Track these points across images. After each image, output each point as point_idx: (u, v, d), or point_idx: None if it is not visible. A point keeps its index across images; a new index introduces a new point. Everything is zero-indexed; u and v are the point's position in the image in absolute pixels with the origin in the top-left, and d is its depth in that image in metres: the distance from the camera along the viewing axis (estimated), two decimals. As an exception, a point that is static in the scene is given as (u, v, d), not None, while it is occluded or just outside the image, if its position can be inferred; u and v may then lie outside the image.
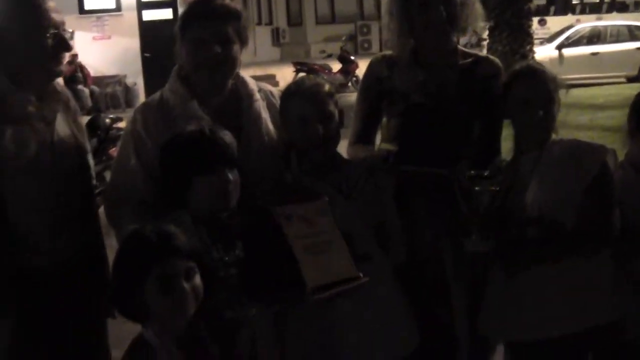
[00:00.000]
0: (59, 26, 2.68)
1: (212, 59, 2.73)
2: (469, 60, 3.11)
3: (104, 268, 2.91)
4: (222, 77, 2.82)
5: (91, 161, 3.01)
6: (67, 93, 2.92)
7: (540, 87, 2.87)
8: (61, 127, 2.77)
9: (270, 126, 2.90)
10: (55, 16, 2.67)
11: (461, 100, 3.01)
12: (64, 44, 2.68)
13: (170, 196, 2.50)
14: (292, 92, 2.83)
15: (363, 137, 3.18)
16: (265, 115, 2.90)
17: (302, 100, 2.76)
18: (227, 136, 2.51)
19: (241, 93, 2.88)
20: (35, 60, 2.65)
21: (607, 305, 2.80)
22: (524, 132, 2.92)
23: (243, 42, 2.83)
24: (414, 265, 2.88)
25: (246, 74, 2.93)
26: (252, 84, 2.94)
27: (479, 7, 3.11)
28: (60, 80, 2.91)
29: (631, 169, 2.95)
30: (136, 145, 2.79)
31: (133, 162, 2.78)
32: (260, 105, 2.90)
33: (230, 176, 2.44)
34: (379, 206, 2.77)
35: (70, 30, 2.73)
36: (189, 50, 2.75)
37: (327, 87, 2.81)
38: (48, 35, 2.63)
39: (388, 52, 3.21)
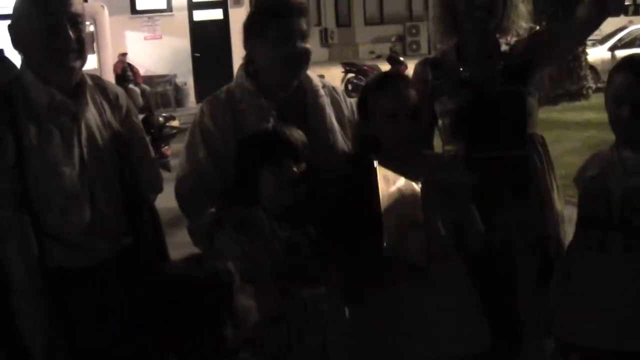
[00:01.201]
0: (77, 18, 2.60)
1: (295, 54, 2.80)
2: (508, 47, 3.16)
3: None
4: (301, 71, 2.89)
5: (153, 162, 3.03)
6: (116, 90, 2.86)
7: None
8: (93, 122, 2.68)
9: (334, 121, 2.94)
10: (75, 8, 2.59)
11: (510, 83, 3.06)
12: (81, 42, 2.61)
13: (243, 191, 2.63)
14: (377, 86, 2.84)
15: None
16: (329, 110, 2.94)
17: (391, 96, 2.76)
18: (296, 132, 2.63)
19: (306, 88, 2.93)
20: (51, 49, 2.56)
21: None
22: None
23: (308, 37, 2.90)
24: (485, 257, 2.88)
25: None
26: (316, 80, 2.99)
27: (522, 8, 3.13)
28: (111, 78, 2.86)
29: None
30: (204, 138, 2.85)
31: (202, 154, 2.85)
32: (325, 100, 2.95)
33: (295, 168, 2.58)
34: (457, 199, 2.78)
35: (89, 24, 2.67)
36: (270, 47, 2.80)
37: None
38: (66, 26, 2.56)
39: (430, 55, 3.29)
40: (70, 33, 2.57)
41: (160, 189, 3.04)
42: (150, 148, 3.06)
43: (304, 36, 2.83)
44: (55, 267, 2.54)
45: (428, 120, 3.14)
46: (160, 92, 20.12)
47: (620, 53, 20.30)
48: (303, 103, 2.92)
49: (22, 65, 2.68)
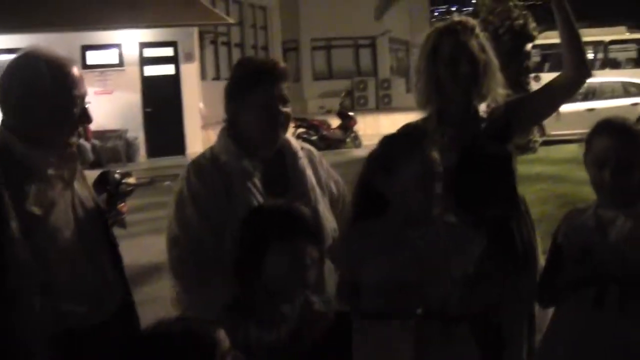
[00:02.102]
0: (84, 97, 2.70)
1: (280, 119, 2.90)
2: (486, 113, 3.29)
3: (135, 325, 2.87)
4: (283, 134, 2.98)
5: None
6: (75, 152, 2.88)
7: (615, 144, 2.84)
8: (79, 186, 2.77)
9: (315, 182, 3.02)
10: (83, 87, 2.69)
11: (494, 145, 3.18)
12: (86, 116, 2.70)
13: (244, 267, 2.47)
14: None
15: None
16: (309, 172, 3.03)
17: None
18: (307, 211, 2.57)
19: (285, 151, 3.01)
20: (59, 126, 2.64)
21: None
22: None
23: None
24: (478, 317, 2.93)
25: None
26: (295, 143, 3.08)
27: (500, 76, 3.25)
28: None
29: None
30: (194, 200, 2.88)
31: (193, 216, 2.87)
32: (304, 162, 3.03)
33: (309, 250, 2.42)
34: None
35: (89, 102, 2.73)
36: (253, 114, 2.88)
37: None
38: (76, 106, 2.65)
39: (413, 122, 3.33)
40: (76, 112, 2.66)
41: None
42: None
43: (285, 101, 2.93)
44: (61, 329, 2.54)
45: None
46: (110, 147, 19.97)
47: (564, 107, 20.74)
48: (283, 166, 3.00)
49: (7, 135, 2.63)
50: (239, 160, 2.91)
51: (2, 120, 2.69)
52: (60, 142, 2.67)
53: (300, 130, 23.33)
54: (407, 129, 3.28)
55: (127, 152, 20.30)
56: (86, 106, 2.70)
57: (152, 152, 20.58)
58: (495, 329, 3.09)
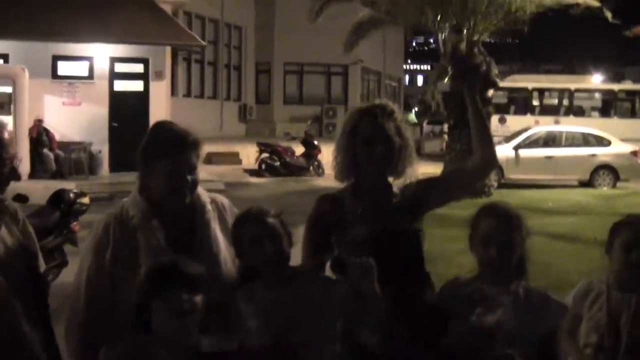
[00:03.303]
0: (13, 158, 2.94)
1: (184, 186, 3.10)
2: (399, 189, 3.50)
3: None
4: (189, 199, 3.17)
5: (42, 263, 3.25)
6: (14, 205, 3.15)
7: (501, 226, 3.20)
8: (6, 236, 2.98)
9: (219, 232, 3.25)
10: (12, 149, 2.94)
11: (404, 221, 3.38)
12: (15, 174, 2.95)
13: (139, 320, 2.79)
14: (242, 218, 3.20)
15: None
16: (214, 224, 3.25)
17: (252, 224, 3.13)
18: (192, 265, 2.83)
19: (195, 205, 3.22)
20: None
21: None
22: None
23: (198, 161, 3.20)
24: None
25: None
26: (205, 197, 3.29)
27: (414, 156, 3.48)
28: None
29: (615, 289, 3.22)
30: (97, 252, 3.11)
31: (93, 268, 3.11)
32: (211, 216, 3.25)
33: (186, 298, 2.73)
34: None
35: (19, 162, 3.00)
36: (161, 180, 3.09)
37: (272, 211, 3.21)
38: (5, 166, 2.90)
39: (331, 191, 3.55)
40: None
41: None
42: (40, 256, 3.27)
43: (193, 169, 3.12)
44: None
45: (321, 252, 3.41)
46: (74, 158, 19.90)
47: (524, 152, 21.37)
48: (192, 217, 3.21)
49: None
50: (146, 219, 3.12)
51: None
52: None
53: (264, 155, 23.52)
54: (326, 198, 3.53)
55: (90, 164, 20.20)
56: (15, 165, 2.95)
57: (115, 166, 20.45)
58: None
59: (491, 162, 3.46)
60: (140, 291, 2.79)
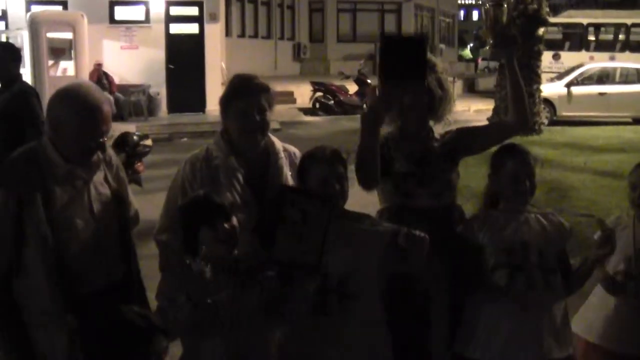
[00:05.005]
0: (105, 133, 3.29)
1: (253, 125, 3.52)
2: (439, 135, 3.90)
3: (142, 292, 3.62)
4: (260, 138, 3.59)
5: (133, 201, 3.68)
6: (110, 152, 3.54)
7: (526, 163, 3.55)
8: (99, 183, 3.41)
9: (290, 178, 3.63)
10: (106, 125, 3.28)
11: (443, 160, 3.78)
12: (102, 148, 3.32)
13: (187, 243, 3.21)
14: (311, 157, 3.43)
15: None
16: (286, 170, 3.65)
17: (321, 164, 3.35)
18: (218, 198, 3.26)
19: (269, 151, 3.64)
20: (87, 149, 3.27)
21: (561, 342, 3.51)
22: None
23: (271, 108, 3.59)
24: (399, 285, 3.51)
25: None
26: (279, 145, 3.70)
27: (452, 105, 3.86)
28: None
29: None
30: (183, 190, 3.53)
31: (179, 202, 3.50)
32: (284, 162, 3.65)
33: (227, 225, 3.14)
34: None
35: (111, 134, 3.36)
36: (235, 121, 3.53)
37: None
38: (102, 136, 3.27)
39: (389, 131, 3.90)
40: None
41: (137, 223, 3.76)
42: (131, 194, 3.70)
43: (262, 111, 3.52)
44: (72, 293, 3.21)
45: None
46: (133, 101, 20.42)
47: (577, 89, 21.25)
48: (267, 162, 3.62)
49: (46, 140, 3.29)
50: (227, 157, 3.53)
51: (45, 131, 3.37)
52: (86, 158, 3.32)
53: (318, 94, 23.75)
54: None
55: (149, 106, 20.69)
56: (105, 140, 3.32)
57: (173, 108, 21.04)
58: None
59: (523, 124, 3.74)
60: (186, 222, 3.19)
